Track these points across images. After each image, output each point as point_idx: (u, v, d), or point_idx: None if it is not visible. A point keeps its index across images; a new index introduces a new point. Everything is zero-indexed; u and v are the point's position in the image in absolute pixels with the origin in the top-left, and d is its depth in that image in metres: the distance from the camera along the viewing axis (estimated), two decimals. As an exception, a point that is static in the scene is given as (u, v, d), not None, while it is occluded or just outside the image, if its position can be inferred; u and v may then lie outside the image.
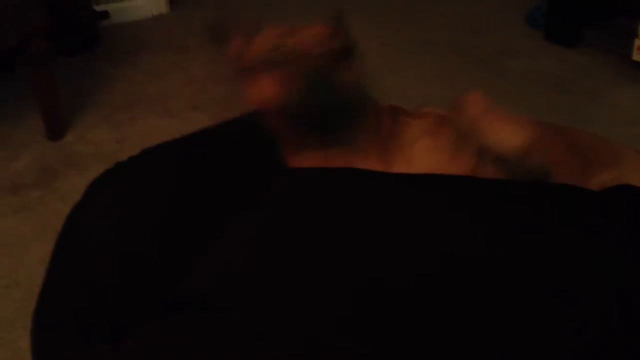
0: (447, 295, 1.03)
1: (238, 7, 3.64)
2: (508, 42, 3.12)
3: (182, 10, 3.62)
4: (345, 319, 1.02)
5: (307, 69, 1.22)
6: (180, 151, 1.49)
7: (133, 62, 3.02)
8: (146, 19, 3.51)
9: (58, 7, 2.81)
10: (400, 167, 1.26)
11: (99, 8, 3.31)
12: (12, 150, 2.44)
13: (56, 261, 1.32)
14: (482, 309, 1.02)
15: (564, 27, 3.04)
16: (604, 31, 3.00)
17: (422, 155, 1.28)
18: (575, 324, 1.02)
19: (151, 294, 1.19)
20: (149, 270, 1.24)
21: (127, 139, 2.42)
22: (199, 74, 2.92)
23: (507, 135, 1.21)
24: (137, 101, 2.69)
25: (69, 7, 2.99)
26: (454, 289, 1.04)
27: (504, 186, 1.21)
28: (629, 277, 1.07)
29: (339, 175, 1.22)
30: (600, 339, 1.01)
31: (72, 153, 2.40)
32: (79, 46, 3.07)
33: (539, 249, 1.09)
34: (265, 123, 1.28)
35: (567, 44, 3.02)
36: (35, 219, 2.10)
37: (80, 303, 1.21)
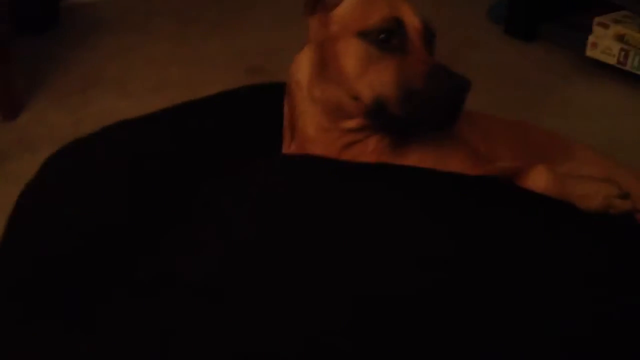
0: (422, 296, 1.05)
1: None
2: (470, 36, 3.16)
3: (144, -9, 3.57)
4: (321, 318, 1.03)
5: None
6: (143, 128, 1.47)
7: (92, 43, 2.97)
8: (107, -2, 3.46)
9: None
10: None
11: (58, -13, 3.26)
12: (-37, 130, 2.39)
13: (7, 238, 1.28)
14: (460, 307, 1.04)
15: (523, 22, 3.09)
16: (561, 27, 3.05)
17: None
18: (550, 318, 1.05)
19: (111, 270, 1.17)
20: (108, 245, 1.21)
21: (83, 121, 2.39)
22: (159, 56, 2.89)
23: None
24: (94, 83, 2.66)
25: (28, -15, 2.94)
26: (425, 289, 1.05)
27: (464, 182, 1.22)
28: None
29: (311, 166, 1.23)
30: (571, 332, 1.04)
31: (25, 135, 2.36)
32: (37, 25, 3.02)
33: (504, 246, 1.11)
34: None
35: (526, 38, 3.07)
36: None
37: (31, 279, 1.18)
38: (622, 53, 2.66)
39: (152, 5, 3.42)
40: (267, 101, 1.46)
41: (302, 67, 1.29)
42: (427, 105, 1.17)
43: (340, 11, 1.25)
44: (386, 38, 1.20)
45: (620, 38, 2.65)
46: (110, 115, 2.38)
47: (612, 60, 2.70)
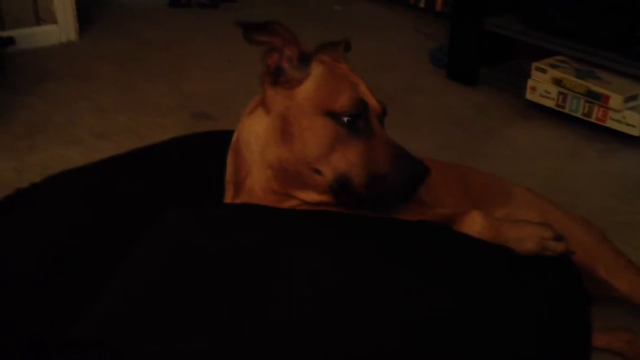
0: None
1: (147, 38, 3.63)
2: (414, 80, 3.23)
3: (91, 38, 3.57)
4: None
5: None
6: (84, 179, 1.47)
7: (37, 90, 2.95)
8: (54, 46, 3.45)
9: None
10: None
11: (4, 34, 3.24)
12: None
13: None
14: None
15: (464, 67, 3.18)
16: (501, 71, 3.16)
17: None
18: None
19: (36, 331, 1.17)
20: (34, 303, 1.21)
21: (28, 168, 2.36)
22: (105, 103, 2.88)
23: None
24: (39, 130, 2.63)
25: (-29, 32, 2.91)
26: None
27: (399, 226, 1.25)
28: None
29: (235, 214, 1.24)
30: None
31: (-32, 182, 2.32)
32: (-19, 72, 2.99)
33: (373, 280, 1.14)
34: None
35: (467, 82, 3.16)
36: None
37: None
38: (561, 96, 2.75)
39: (97, 52, 3.42)
40: (214, 150, 1.48)
41: (255, 131, 1.29)
42: (391, 188, 1.22)
43: (305, 88, 1.26)
44: (353, 120, 1.24)
45: (557, 82, 2.75)
46: (55, 162, 2.39)
47: (550, 103, 2.80)
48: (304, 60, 1.27)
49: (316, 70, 1.28)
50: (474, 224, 1.24)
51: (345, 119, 1.23)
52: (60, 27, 3.46)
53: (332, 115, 1.23)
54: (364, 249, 1.16)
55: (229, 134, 1.37)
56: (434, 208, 1.35)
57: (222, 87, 3.05)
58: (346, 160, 1.23)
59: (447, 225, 1.25)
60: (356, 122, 1.24)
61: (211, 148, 1.47)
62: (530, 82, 2.84)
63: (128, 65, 3.27)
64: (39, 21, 3.42)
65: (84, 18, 3.63)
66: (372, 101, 1.30)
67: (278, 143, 1.26)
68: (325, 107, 1.24)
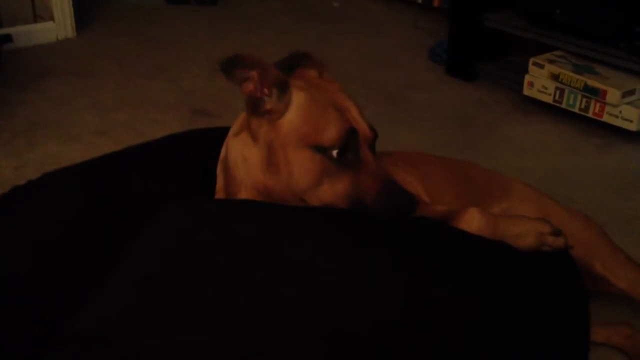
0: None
1: (146, 35, 3.63)
2: (413, 77, 3.23)
3: (89, 35, 3.57)
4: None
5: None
6: (83, 176, 1.47)
7: (35, 87, 2.95)
8: (51, 43, 3.45)
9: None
10: None
11: (1, 31, 3.24)
12: None
13: None
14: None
15: (463, 63, 3.18)
16: (500, 67, 3.16)
17: None
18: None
19: (36, 324, 1.17)
20: (33, 299, 1.21)
21: (26, 165, 2.36)
22: (104, 100, 2.88)
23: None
24: (38, 127, 2.63)
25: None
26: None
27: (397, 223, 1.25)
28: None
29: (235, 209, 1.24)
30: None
31: (-33, 178, 2.32)
32: (-21, 69, 2.99)
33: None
34: None
35: (466, 78, 3.16)
36: None
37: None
38: (558, 91, 2.76)
39: (95, 49, 3.42)
40: (212, 146, 1.48)
41: (243, 155, 1.27)
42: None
43: (288, 120, 1.21)
44: (342, 153, 1.20)
45: (555, 77, 2.75)
46: (54, 159, 2.39)
47: (548, 99, 2.80)
48: (282, 87, 1.22)
49: (297, 98, 1.22)
50: (472, 221, 1.24)
51: (334, 152, 1.19)
52: (58, 24, 3.47)
53: (320, 149, 1.19)
54: (361, 244, 1.16)
55: (227, 130, 1.37)
56: (432, 205, 1.35)
57: (221, 83, 3.02)
58: (333, 192, 1.21)
59: (445, 222, 1.25)
60: (345, 154, 1.20)
61: (209, 144, 1.47)
62: (527, 78, 2.84)
63: (126, 62, 3.27)
64: (36, 18, 3.42)
65: (81, 15, 3.64)
66: (362, 127, 1.25)
67: (265, 172, 1.24)
68: (312, 141, 1.19)
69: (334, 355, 1.04)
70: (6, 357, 1.17)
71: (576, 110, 2.72)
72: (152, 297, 1.08)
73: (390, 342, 1.06)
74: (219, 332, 1.04)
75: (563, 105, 2.76)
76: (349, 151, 1.20)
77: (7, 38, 3.24)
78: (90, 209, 1.37)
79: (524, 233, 1.23)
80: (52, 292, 1.24)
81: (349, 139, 1.20)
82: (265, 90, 1.22)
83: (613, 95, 2.58)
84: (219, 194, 1.34)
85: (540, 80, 2.80)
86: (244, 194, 1.28)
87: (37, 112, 2.76)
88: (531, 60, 2.83)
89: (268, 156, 1.23)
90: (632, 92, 2.61)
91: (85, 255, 1.30)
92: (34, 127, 2.63)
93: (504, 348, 1.13)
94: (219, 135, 1.38)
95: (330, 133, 1.20)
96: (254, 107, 1.23)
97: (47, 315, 1.21)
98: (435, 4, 3.96)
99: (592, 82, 2.64)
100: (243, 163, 1.27)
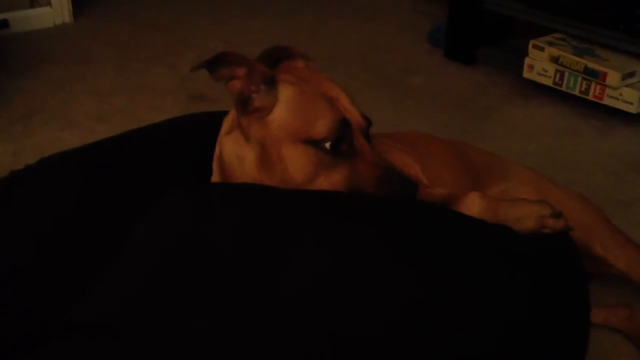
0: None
1: (143, 20, 3.61)
2: (412, 60, 3.22)
3: (86, 20, 3.55)
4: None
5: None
6: (80, 161, 1.46)
7: (33, 72, 2.94)
8: (48, 28, 3.43)
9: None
10: None
11: (-3, 16, 3.22)
12: None
13: None
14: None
15: (463, 46, 3.16)
16: (499, 50, 3.14)
17: None
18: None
19: (37, 313, 1.17)
20: (33, 286, 1.21)
21: (24, 151, 2.35)
22: (101, 85, 2.87)
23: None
24: (36, 112, 2.62)
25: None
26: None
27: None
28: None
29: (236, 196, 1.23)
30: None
31: (-36, 166, 2.32)
32: (-24, 55, 2.98)
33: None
34: None
35: (466, 61, 3.14)
36: None
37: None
38: (558, 74, 2.74)
39: (92, 34, 3.40)
40: (209, 131, 1.47)
41: (237, 154, 1.26)
42: None
43: (277, 116, 1.20)
44: (335, 144, 1.18)
45: (555, 60, 2.74)
46: (52, 145, 2.38)
47: (548, 82, 2.79)
48: (269, 83, 1.21)
49: (284, 93, 1.21)
50: (473, 205, 1.23)
51: (327, 144, 1.18)
52: (55, 10, 3.44)
53: (312, 143, 1.18)
54: (362, 230, 1.14)
55: (224, 114, 1.36)
56: (432, 188, 1.35)
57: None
58: (330, 184, 1.19)
59: (446, 206, 1.25)
60: (339, 145, 1.18)
61: (207, 129, 1.46)
62: (527, 61, 2.82)
63: (124, 48, 3.25)
64: (33, 3, 3.40)
65: (78, 0, 3.61)
66: (354, 116, 1.23)
67: (259, 170, 1.22)
68: (303, 135, 1.18)
69: (336, 342, 1.04)
70: (7, 348, 1.17)
71: (576, 92, 2.71)
72: (154, 286, 1.08)
73: (392, 340, 1.06)
74: (220, 320, 1.04)
75: (563, 88, 2.74)
76: (342, 142, 1.19)
77: (4, 23, 3.23)
78: (89, 194, 1.37)
79: (525, 216, 1.23)
80: (52, 278, 1.24)
81: (341, 130, 1.19)
82: (253, 88, 1.21)
83: (613, 77, 2.57)
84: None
85: (540, 63, 2.79)
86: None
87: (35, 97, 2.74)
88: (531, 42, 2.81)
89: (261, 154, 1.22)
90: (632, 75, 2.59)
91: (84, 241, 1.30)
92: (31, 113, 2.62)
93: (504, 331, 1.12)
94: (217, 119, 1.37)
95: (321, 126, 1.18)
96: (243, 106, 1.22)
97: (48, 302, 1.20)
98: (435, -13, 3.94)
99: (592, 65, 2.63)
100: (238, 162, 1.26)
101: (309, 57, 1.38)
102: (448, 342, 1.08)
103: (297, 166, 1.19)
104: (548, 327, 1.17)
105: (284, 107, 1.21)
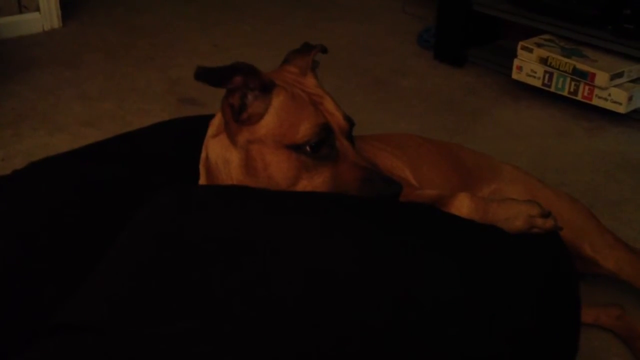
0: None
1: (133, 24, 3.60)
2: (401, 62, 3.22)
3: (75, 26, 3.54)
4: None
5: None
6: (69, 165, 1.46)
7: (22, 78, 2.93)
8: (37, 33, 3.42)
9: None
10: None
11: (-15, 22, 3.21)
12: None
13: None
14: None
15: (452, 48, 3.17)
16: (488, 51, 3.15)
17: None
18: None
19: (23, 315, 1.16)
20: (20, 288, 1.20)
21: (13, 156, 2.34)
22: (90, 90, 2.86)
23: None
24: (24, 118, 2.61)
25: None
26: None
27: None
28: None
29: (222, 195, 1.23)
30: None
31: (-46, 171, 2.30)
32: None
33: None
34: None
35: (455, 63, 3.15)
36: None
37: None
38: (547, 75, 2.75)
39: (81, 39, 3.39)
40: (198, 135, 1.47)
41: (223, 157, 1.27)
42: None
43: (266, 122, 1.22)
44: (317, 147, 1.20)
45: (544, 61, 2.75)
46: (41, 150, 2.37)
47: (537, 83, 2.80)
48: (266, 89, 1.23)
49: (277, 99, 1.23)
50: (462, 206, 1.24)
51: (308, 147, 1.20)
52: (43, 15, 3.43)
53: (294, 147, 1.20)
54: (352, 229, 1.15)
55: (212, 118, 1.36)
56: (422, 189, 1.35)
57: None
58: (312, 186, 1.21)
59: (435, 207, 1.25)
60: (320, 148, 1.21)
61: (196, 133, 1.46)
62: (516, 62, 2.84)
63: (113, 52, 3.25)
64: (21, 9, 3.39)
65: (67, 5, 3.60)
66: (337, 118, 1.25)
67: (244, 174, 1.24)
68: (287, 140, 1.21)
69: (324, 329, 1.04)
70: None
71: (565, 93, 2.72)
72: (141, 286, 1.07)
73: (383, 345, 1.06)
74: (210, 319, 1.03)
75: (552, 89, 2.75)
76: (323, 145, 1.21)
77: (-8, 29, 3.22)
78: (77, 198, 1.36)
79: (514, 216, 1.23)
80: (39, 283, 1.24)
81: (322, 134, 1.21)
82: (249, 97, 1.23)
83: (602, 77, 2.58)
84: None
85: (529, 64, 2.80)
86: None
87: (24, 103, 2.73)
88: (520, 44, 2.82)
89: (247, 160, 1.24)
90: (620, 75, 2.60)
91: (71, 244, 1.29)
92: (20, 118, 2.61)
93: (493, 330, 1.12)
94: (206, 123, 1.37)
95: (303, 130, 1.21)
96: (236, 114, 1.24)
97: (34, 306, 1.20)
98: (424, -11, 3.95)
99: (581, 65, 2.64)
100: (224, 165, 1.27)
101: (326, 49, 1.40)
102: (442, 340, 1.08)
103: (280, 172, 1.21)
104: (539, 326, 1.17)
105: (273, 114, 1.23)
